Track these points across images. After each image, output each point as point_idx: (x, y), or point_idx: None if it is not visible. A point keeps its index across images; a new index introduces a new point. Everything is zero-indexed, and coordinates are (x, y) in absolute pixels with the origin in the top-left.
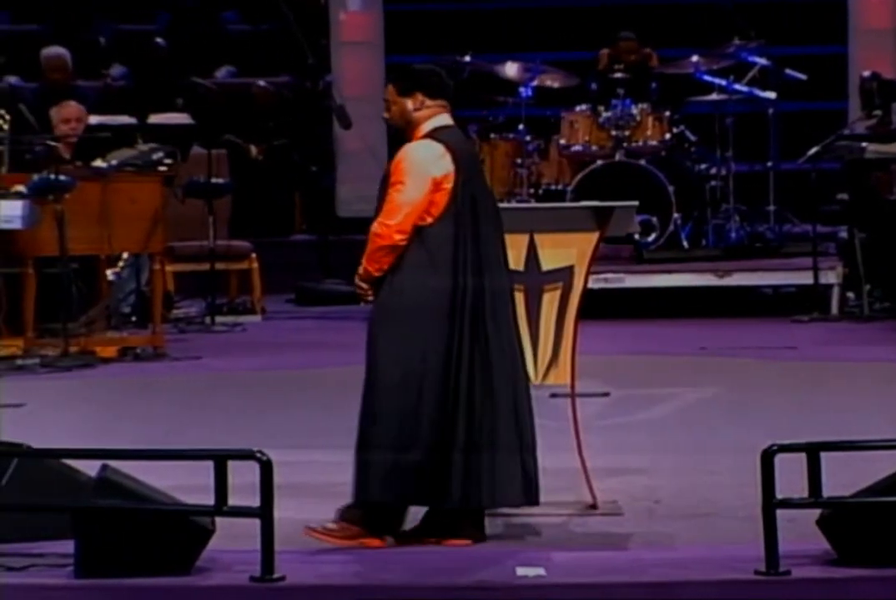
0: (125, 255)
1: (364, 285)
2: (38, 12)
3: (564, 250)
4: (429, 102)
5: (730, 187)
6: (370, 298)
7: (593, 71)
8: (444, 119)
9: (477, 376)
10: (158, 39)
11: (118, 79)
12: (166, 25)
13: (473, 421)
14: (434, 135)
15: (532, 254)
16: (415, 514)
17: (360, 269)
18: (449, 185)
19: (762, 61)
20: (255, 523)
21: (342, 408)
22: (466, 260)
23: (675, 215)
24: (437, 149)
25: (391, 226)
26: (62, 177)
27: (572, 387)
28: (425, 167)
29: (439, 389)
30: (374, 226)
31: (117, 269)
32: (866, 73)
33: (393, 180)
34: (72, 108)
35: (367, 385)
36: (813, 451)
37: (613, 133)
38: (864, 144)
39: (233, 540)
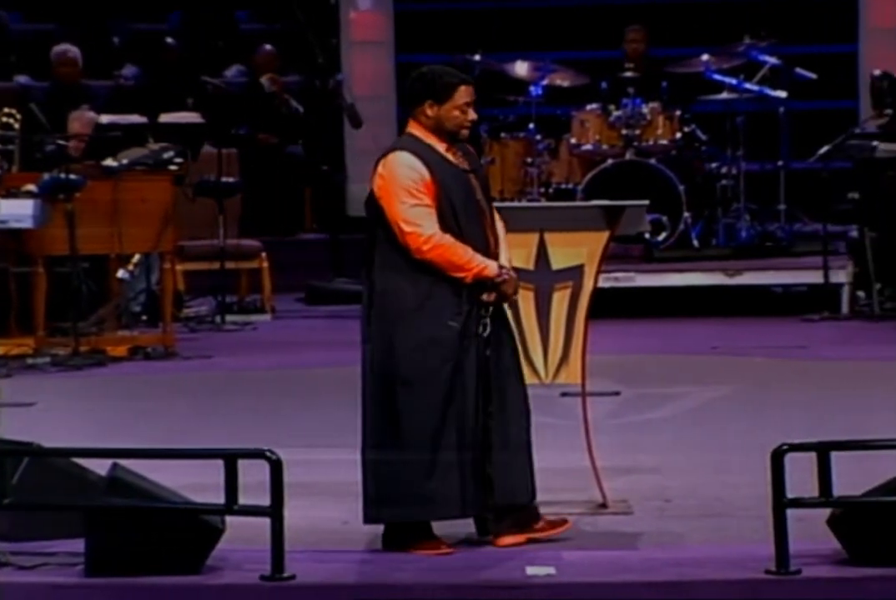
0: (136, 255)
1: None
2: (52, 12)
3: (575, 249)
4: None
5: (740, 186)
6: None
7: (604, 70)
8: None
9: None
10: (169, 39)
11: (130, 78)
12: (178, 25)
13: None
14: None
15: (542, 253)
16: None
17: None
18: None
19: (773, 60)
20: (266, 522)
21: (353, 406)
22: None
23: (686, 214)
24: None
25: None
26: (73, 177)
27: (583, 385)
28: None
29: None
30: None
31: (129, 268)
32: (877, 72)
33: None
34: (81, 121)
35: None
36: (823, 451)
37: (624, 132)
38: (875, 143)
39: (243, 540)
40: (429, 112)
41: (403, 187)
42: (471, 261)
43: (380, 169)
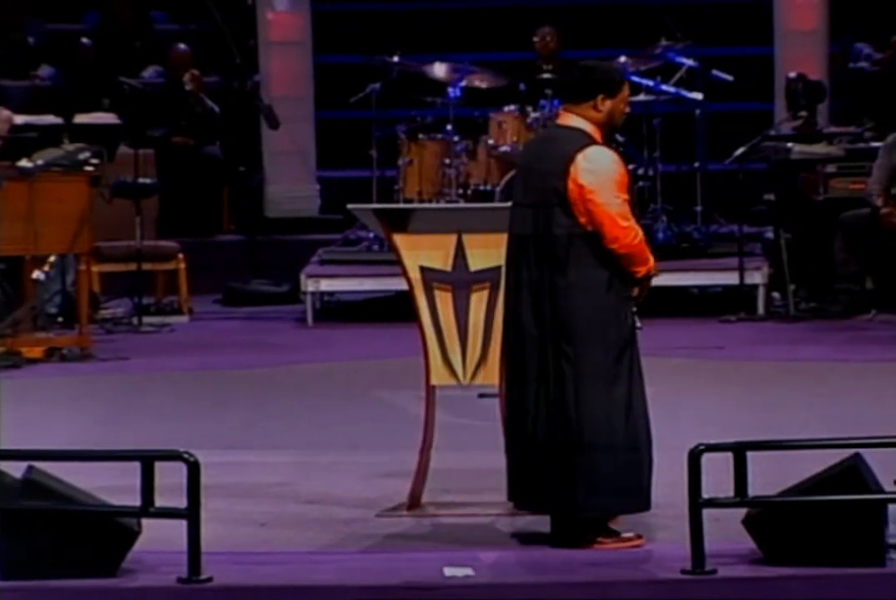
0: (51, 256)
1: None
2: None
3: (492, 250)
4: None
5: (657, 188)
6: None
7: (522, 72)
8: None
9: None
10: (84, 39)
11: (46, 79)
12: (94, 25)
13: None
14: None
15: (460, 255)
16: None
17: None
18: None
19: (689, 62)
20: (183, 524)
21: (271, 408)
22: None
23: None
24: None
25: None
26: None
27: (500, 386)
28: None
29: None
30: None
31: (45, 269)
32: (792, 74)
33: None
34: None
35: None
36: (739, 451)
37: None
38: (790, 145)
39: (160, 542)
40: (601, 106)
41: (617, 181)
42: (650, 257)
43: (584, 163)
